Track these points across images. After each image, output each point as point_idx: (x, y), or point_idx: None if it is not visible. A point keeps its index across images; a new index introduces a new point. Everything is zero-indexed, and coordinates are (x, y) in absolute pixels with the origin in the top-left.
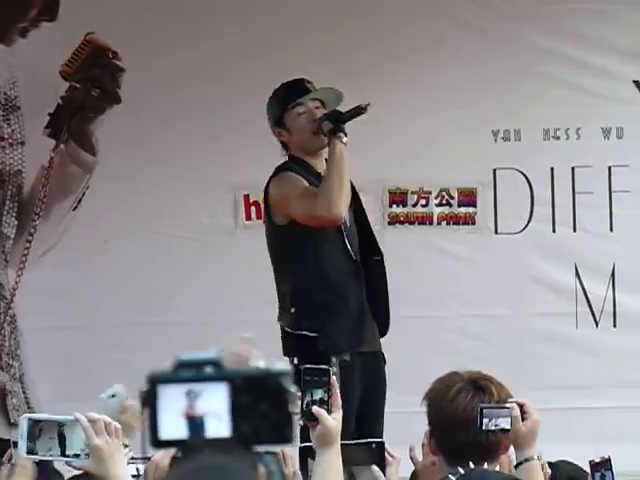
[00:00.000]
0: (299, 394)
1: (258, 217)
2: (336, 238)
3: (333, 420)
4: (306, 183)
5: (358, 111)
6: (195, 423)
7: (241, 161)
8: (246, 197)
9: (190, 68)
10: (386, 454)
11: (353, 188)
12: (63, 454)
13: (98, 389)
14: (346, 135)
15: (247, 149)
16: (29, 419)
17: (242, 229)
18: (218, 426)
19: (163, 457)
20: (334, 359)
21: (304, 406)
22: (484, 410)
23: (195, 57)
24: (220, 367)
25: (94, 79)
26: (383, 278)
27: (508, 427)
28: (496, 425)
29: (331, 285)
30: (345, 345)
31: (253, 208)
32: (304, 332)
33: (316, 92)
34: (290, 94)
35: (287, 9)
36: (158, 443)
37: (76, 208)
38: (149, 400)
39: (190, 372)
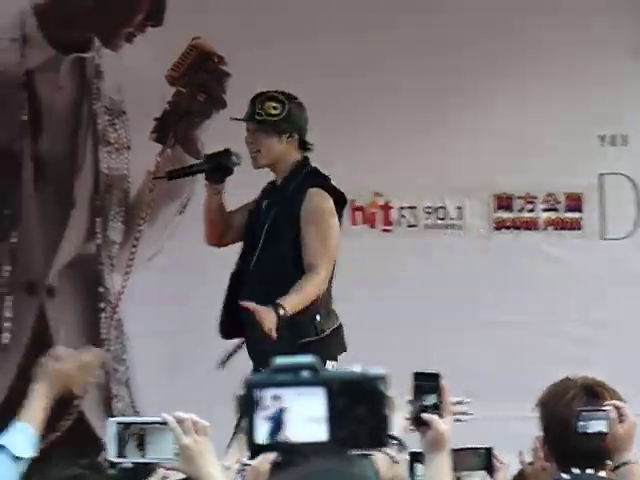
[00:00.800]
0: (411, 399)
1: (364, 222)
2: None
3: (445, 425)
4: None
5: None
6: (274, 426)
7: (345, 167)
8: (351, 202)
9: (295, 72)
10: (494, 460)
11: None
12: (152, 456)
13: (204, 394)
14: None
15: (351, 156)
16: (117, 422)
17: (347, 234)
18: (315, 430)
19: (262, 462)
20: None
21: (416, 412)
22: (582, 413)
23: (301, 60)
24: (317, 371)
25: (200, 84)
26: None
27: (606, 430)
28: (593, 428)
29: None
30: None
31: (358, 213)
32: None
33: (256, 116)
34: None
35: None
36: (254, 447)
37: (182, 212)
38: (245, 405)
39: (287, 376)
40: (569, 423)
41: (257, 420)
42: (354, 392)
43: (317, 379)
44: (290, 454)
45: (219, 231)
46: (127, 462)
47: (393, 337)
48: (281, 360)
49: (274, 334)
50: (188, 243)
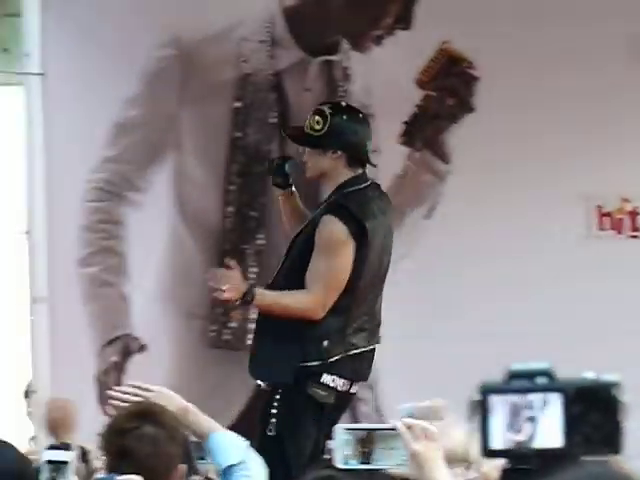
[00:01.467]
0: None
1: (611, 228)
2: None
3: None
4: None
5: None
6: (509, 432)
7: (593, 172)
8: (598, 208)
9: (542, 79)
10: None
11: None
12: (381, 462)
13: (451, 399)
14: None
15: (599, 162)
16: (346, 429)
17: (594, 239)
18: (550, 436)
19: (492, 469)
20: None
21: None
22: None
23: (547, 67)
24: (552, 377)
25: (449, 88)
26: None
27: None
28: None
29: None
30: None
31: (606, 219)
32: None
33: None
34: None
35: None
36: (488, 453)
37: (429, 216)
38: (480, 410)
39: (522, 382)
40: None
41: (492, 425)
42: (589, 398)
43: (553, 385)
44: (525, 460)
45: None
46: (355, 468)
47: None
48: (517, 366)
49: (224, 295)
50: (434, 246)
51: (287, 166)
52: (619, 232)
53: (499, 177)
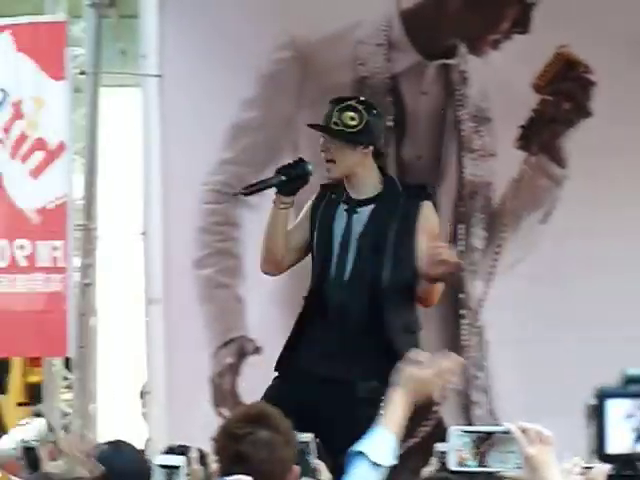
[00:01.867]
0: None
1: None
2: None
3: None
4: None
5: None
6: (625, 437)
7: None
8: None
9: None
10: None
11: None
12: (495, 464)
13: (564, 403)
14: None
15: None
16: (460, 431)
17: None
18: None
19: (598, 473)
20: None
21: None
22: None
23: None
24: None
25: (566, 92)
26: None
27: None
28: None
29: None
30: None
31: None
32: None
33: (333, 125)
34: (325, 115)
35: None
36: (604, 457)
37: (545, 221)
38: (596, 414)
39: (638, 387)
40: None
41: (608, 430)
42: None
43: None
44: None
45: (280, 254)
46: (469, 471)
47: None
48: (632, 371)
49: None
50: (551, 252)
51: (309, 167)
52: None
53: (616, 182)
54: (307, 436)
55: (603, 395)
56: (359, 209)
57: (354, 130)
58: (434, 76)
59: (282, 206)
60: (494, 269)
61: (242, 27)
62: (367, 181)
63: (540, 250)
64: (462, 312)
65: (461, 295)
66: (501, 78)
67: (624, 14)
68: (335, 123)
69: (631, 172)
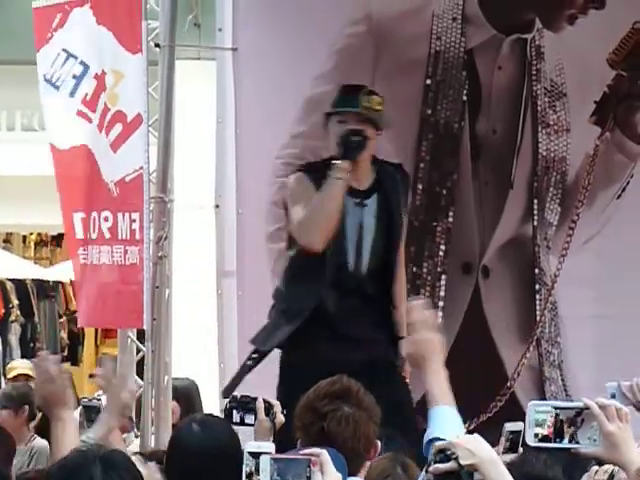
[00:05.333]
0: None
1: None
2: None
3: None
4: (312, 192)
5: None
6: None
7: None
8: None
9: None
10: None
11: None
12: (572, 441)
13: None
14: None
15: None
16: (538, 407)
17: None
18: None
19: None
20: None
21: None
22: None
23: None
24: None
25: None
26: None
27: None
28: None
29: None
30: None
31: None
32: None
33: (364, 109)
34: (337, 101)
35: None
36: None
37: (620, 196)
38: None
39: None
40: None
41: None
42: None
43: None
44: None
45: (333, 230)
46: (547, 447)
47: None
48: None
49: None
50: (625, 227)
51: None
52: None
53: None
54: None
55: None
56: (366, 201)
57: (380, 114)
58: (509, 51)
59: (345, 174)
60: (569, 244)
61: (317, 1)
62: (369, 166)
63: (614, 224)
64: (536, 287)
65: (536, 270)
66: (576, 53)
67: None
68: (366, 108)
69: None
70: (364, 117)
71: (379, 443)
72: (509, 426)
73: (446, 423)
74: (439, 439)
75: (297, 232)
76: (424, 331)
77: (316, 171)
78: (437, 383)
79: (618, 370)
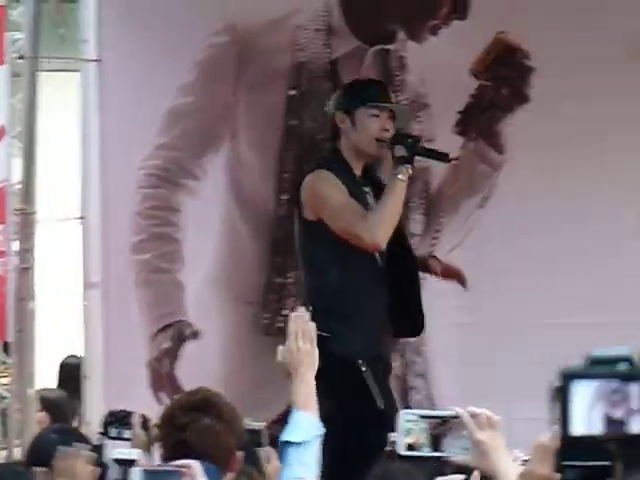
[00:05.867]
0: None
1: None
2: None
3: None
4: (345, 191)
5: (439, 157)
6: (615, 422)
7: None
8: None
9: (600, 70)
10: None
11: None
12: (443, 449)
13: (500, 388)
14: (413, 168)
15: None
16: (408, 415)
17: None
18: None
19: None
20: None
21: None
22: None
23: (605, 58)
24: (634, 364)
25: (504, 78)
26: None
27: None
28: None
29: (352, 289)
30: (359, 351)
31: None
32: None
33: (394, 104)
34: (371, 93)
35: None
36: (569, 439)
37: (482, 206)
38: (561, 395)
39: (604, 369)
40: None
41: (572, 412)
42: None
43: (634, 372)
44: (599, 450)
45: None
46: (417, 455)
47: None
48: (598, 352)
49: None
50: (487, 237)
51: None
52: None
53: (554, 167)
54: (259, 425)
55: (568, 376)
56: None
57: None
58: (373, 62)
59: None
60: (432, 254)
61: (180, 12)
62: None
63: (477, 235)
64: None
65: None
66: (440, 64)
67: None
68: (394, 104)
69: (569, 157)
70: (392, 113)
71: (241, 455)
72: (392, 435)
73: (299, 426)
74: (290, 443)
75: (365, 231)
76: (301, 342)
77: (329, 168)
78: (304, 391)
79: (482, 380)
